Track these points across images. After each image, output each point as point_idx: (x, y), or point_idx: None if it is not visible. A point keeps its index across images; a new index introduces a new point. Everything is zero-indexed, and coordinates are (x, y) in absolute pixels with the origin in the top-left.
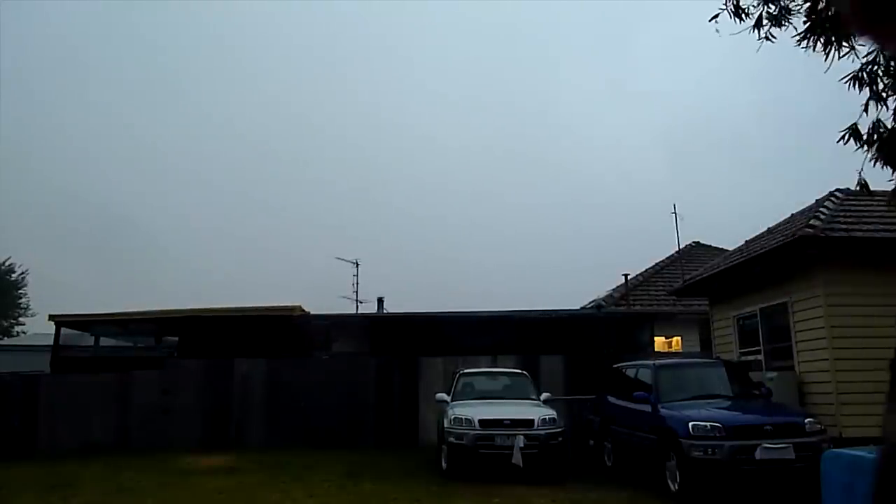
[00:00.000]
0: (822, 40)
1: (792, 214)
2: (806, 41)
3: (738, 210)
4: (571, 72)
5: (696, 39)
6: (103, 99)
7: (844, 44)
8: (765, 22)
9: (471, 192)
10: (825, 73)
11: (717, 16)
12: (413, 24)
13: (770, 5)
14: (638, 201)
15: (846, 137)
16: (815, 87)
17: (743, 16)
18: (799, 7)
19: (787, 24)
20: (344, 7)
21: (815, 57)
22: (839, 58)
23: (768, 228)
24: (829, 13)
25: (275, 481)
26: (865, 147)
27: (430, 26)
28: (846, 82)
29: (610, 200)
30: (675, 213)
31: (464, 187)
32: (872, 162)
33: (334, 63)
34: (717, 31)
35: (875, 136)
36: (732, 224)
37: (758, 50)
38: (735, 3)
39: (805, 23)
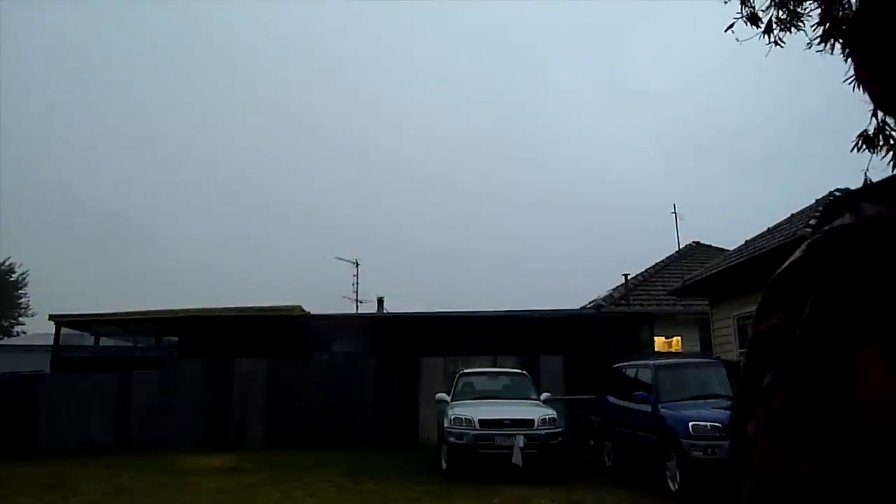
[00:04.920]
0: (839, 43)
1: (792, 214)
2: (824, 45)
3: (738, 210)
4: (571, 72)
5: (695, 39)
6: (104, 99)
7: None
8: (774, 27)
9: (471, 192)
10: (847, 74)
11: (732, 25)
12: (412, 24)
13: (780, 10)
14: (638, 201)
15: (859, 145)
16: (815, 87)
17: (759, 23)
18: (807, 11)
19: (798, 28)
20: (343, 8)
21: (815, 56)
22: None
23: (768, 228)
24: (843, 16)
25: (275, 481)
26: (877, 153)
27: (429, 26)
28: (850, 84)
29: (610, 200)
30: (675, 213)
31: (464, 187)
32: (891, 167)
33: (334, 64)
34: (738, 39)
35: (881, 140)
36: (732, 224)
37: (767, 55)
38: (750, 10)
39: (818, 25)
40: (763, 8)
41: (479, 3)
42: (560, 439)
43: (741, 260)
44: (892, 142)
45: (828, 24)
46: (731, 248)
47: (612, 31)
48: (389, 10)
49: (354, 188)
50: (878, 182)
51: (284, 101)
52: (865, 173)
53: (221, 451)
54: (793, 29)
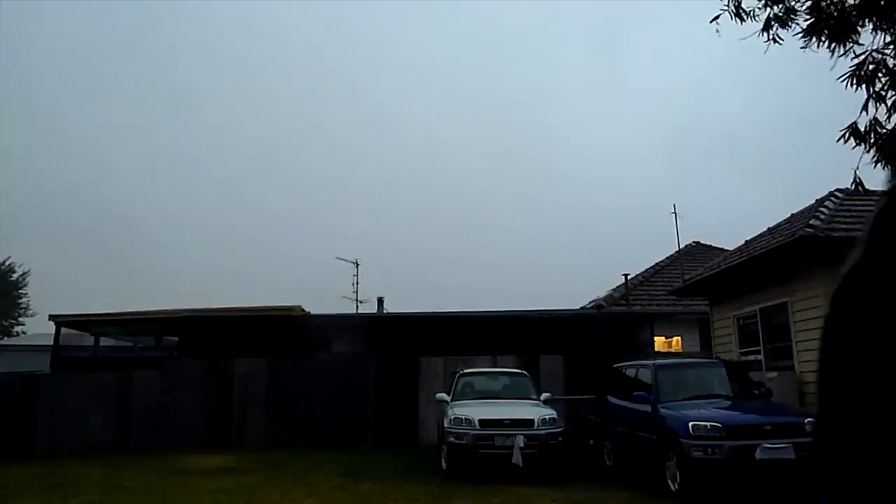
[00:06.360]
0: (824, 38)
1: (792, 214)
2: (808, 39)
3: (738, 210)
4: (571, 72)
5: (696, 39)
6: (105, 97)
7: (848, 41)
8: (772, 24)
9: (471, 192)
10: (831, 69)
11: (717, 17)
12: (413, 23)
13: (775, 7)
14: (638, 201)
15: (846, 136)
16: (815, 86)
17: (745, 17)
18: (801, 6)
19: (793, 24)
20: (345, 8)
21: (815, 56)
22: (841, 55)
23: (768, 228)
24: (832, 10)
25: (275, 481)
26: (865, 146)
27: (430, 25)
28: (843, 81)
29: (610, 200)
30: (675, 213)
31: (464, 187)
32: (874, 164)
33: (335, 63)
34: (718, 31)
35: (872, 136)
36: (732, 224)
37: (765, 52)
38: (737, 4)
39: (807, 20)
40: (758, 7)
41: (480, 3)
42: (560, 439)
43: (741, 260)
44: (880, 139)
45: (814, 19)
46: (731, 248)
47: (611, 31)
48: (391, 8)
49: (355, 188)
50: None
51: (284, 101)
52: (855, 171)
53: (221, 451)
54: (789, 25)
